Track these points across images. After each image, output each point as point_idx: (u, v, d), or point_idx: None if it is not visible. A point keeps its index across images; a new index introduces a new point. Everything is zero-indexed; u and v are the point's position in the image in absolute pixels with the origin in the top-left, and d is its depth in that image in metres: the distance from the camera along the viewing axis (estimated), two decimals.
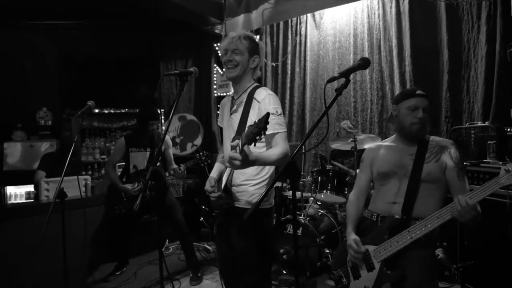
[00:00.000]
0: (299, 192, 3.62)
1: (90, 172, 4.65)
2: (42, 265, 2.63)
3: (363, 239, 1.85)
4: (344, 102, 4.53)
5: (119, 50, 5.01)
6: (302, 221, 3.22)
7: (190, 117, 5.20)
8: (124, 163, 3.40)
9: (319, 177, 3.45)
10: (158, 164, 3.23)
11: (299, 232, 3.22)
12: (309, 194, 3.59)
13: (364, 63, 1.41)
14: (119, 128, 4.97)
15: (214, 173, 2.03)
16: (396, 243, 1.70)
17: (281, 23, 5.04)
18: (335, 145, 3.63)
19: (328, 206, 3.69)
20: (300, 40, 4.88)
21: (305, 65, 4.84)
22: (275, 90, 5.22)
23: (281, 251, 3.27)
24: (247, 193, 1.85)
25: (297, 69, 4.94)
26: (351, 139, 3.35)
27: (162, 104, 5.38)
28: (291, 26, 4.97)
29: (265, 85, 5.23)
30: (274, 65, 5.14)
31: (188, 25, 5.06)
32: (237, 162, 1.46)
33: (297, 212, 3.48)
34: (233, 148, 1.52)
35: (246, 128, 1.49)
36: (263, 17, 4.67)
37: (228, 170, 1.88)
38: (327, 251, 3.15)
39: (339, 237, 3.35)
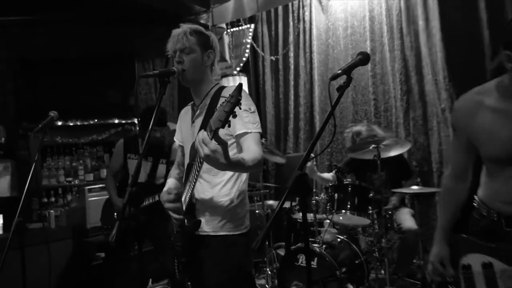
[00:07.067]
0: (311, 214, 3.58)
1: (53, 199, 4.63)
2: None
3: (485, 246, 1.63)
4: (361, 100, 4.55)
5: (85, 49, 5.02)
6: (317, 250, 3.19)
7: (174, 126, 5.15)
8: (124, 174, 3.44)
9: (336, 194, 3.42)
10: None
11: (314, 264, 3.18)
12: (324, 216, 3.57)
13: (364, 58, 1.49)
14: (88, 143, 4.95)
15: (171, 185, 2.08)
16: None
17: (280, 8, 5.09)
18: (353, 155, 3.63)
19: (349, 230, 3.67)
20: (304, 28, 4.92)
21: (311, 58, 4.88)
22: (276, 89, 5.25)
23: None
24: (216, 216, 1.87)
25: (301, 62, 4.97)
26: (373, 145, 3.34)
27: (139, 112, 5.38)
28: (292, 11, 5.02)
29: (263, 83, 5.30)
30: (274, 59, 5.18)
31: (168, 15, 5.10)
32: (206, 150, 1.43)
33: (311, 239, 3.44)
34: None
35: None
36: (257, 2, 4.71)
37: (187, 188, 1.88)
38: (350, 287, 3.12)
39: (364, 269, 3.32)
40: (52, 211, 3.88)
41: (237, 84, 1.42)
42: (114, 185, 3.39)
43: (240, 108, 1.38)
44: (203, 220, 1.88)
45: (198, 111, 1.96)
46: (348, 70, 1.46)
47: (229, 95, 1.38)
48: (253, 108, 1.84)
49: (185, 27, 1.92)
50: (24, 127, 4.44)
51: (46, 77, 4.83)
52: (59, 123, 4.74)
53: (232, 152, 1.80)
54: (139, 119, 3.61)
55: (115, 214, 3.29)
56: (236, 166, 1.63)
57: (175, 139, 2.23)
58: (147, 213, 3.12)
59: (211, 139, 1.44)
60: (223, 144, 1.47)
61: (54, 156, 4.82)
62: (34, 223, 3.81)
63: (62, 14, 4.90)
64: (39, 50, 4.90)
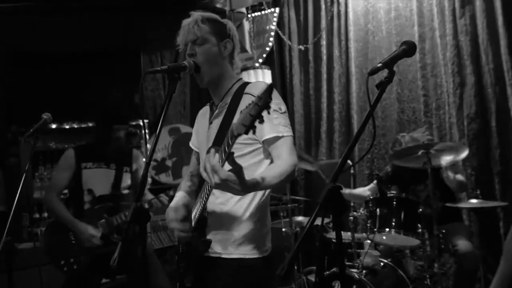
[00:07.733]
0: (349, 233, 3.58)
1: (46, 215, 4.72)
2: None
3: None
4: (408, 97, 4.54)
5: (83, 42, 5.12)
6: (356, 276, 3.18)
7: (186, 128, 5.25)
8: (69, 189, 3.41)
9: (378, 209, 3.40)
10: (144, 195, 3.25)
11: None
12: (364, 235, 3.57)
13: (409, 48, 1.51)
14: None
15: (178, 203, 2.02)
16: None
17: None
18: (398, 162, 3.60)
19: (394, 253, 3.65)
20: (339, 11, 4.94)
21: (347, 46, 4.89)
22: (305, 84, 5.25)
23: None
24: (230, 235, 1.85)
25: (336, 52, 4.99)
26: (422, 150, 3.28)
27: (145, 112, 5.46)
28: None
29: (290, 77, 5.29)
30: (303, 48, 5.19)
31: (178, 0, 5.17)
32: (216, 179, 1.43)
33: (348, 263, 3.44)
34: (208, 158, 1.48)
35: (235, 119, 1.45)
36: None
37: (199, 200, 1.87)
38: None
39: None
40: (44, 228, 3.93)
41: (259, 79, 1.40)
42: (64, 205, 3.24)
43: (269, 113, 1.36)
44: (214, 238, 1.87)
45: (217, 111, 1.96)
46: (389, 63, 1.47)
47: (257, 96, 1.35)
48: (284, 108, 1.82)
49: (196, 15, 1.93)
50: (13, 131, 4.55)
51: (38, 75, 4.93)
52: (53, 126, 4.84)
53: (259, 158, 1.84)
54: (97, 120, 3.49)
55: (72, 239, 3.15)
56: (256, 188, 1.62)
57: (190, 144, 2.22)
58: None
59: (225, 161, 1.45)
60: (238, 168, 1.45)
61: (47, 164, 4.92)
62: (24, 243, 3.88)
63: (58, 3, 5.02)
64: (30, 44, 5.01)
